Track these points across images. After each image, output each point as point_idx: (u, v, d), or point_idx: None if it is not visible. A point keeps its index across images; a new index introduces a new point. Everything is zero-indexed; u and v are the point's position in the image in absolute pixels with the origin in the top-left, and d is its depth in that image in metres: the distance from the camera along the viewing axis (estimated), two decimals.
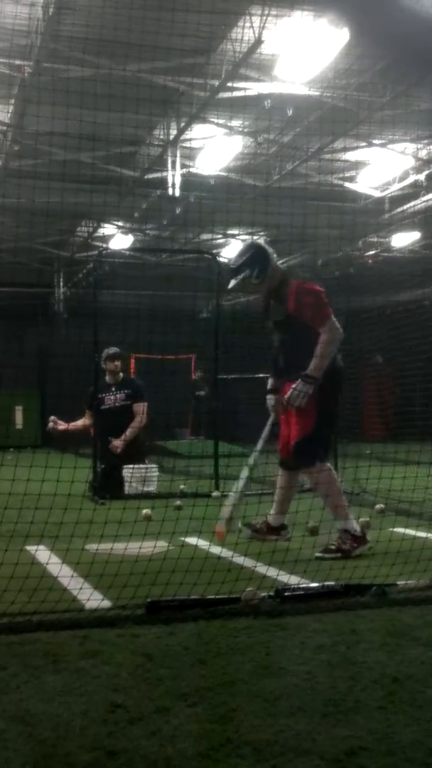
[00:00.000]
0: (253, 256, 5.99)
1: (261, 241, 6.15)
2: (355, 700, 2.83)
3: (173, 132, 14.40)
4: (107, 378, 10.07)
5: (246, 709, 2.74)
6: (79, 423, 10.20)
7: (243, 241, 20.18)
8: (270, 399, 6.30)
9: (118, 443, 9.72)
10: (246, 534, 6.14)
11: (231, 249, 21.38)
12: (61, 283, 24.67)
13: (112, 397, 10.00)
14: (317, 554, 5.44)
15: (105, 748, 2.46)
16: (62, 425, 10.13)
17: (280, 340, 6.13)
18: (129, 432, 9.86)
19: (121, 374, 10.25)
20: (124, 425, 9.84)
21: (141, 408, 10.08)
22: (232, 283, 6.13)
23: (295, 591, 4.25)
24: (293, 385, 5.71)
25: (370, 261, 21.13)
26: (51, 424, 10.07)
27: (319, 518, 5.89)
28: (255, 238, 6.21)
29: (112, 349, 10.07)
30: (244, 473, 6.23)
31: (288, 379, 5.92)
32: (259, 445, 6.23)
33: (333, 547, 5.54)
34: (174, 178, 15.17)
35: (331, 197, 15.84)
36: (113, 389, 10.03)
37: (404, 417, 16.53)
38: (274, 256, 6.08)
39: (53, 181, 11.29)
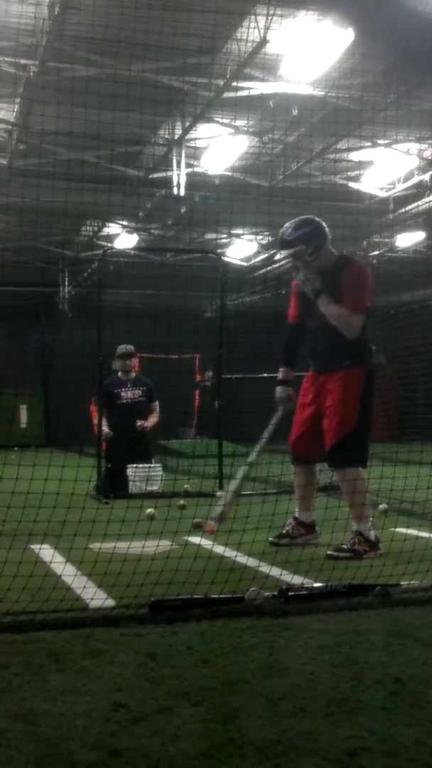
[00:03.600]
0: (311, 231, 5.87)
1: (320, 221, 5.98)
2: (358, 700, 2.84)
3: (178, 131, 14.41)
4: (120, 375, 10.13)
5: (249, 709, 2.75)
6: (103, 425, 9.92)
7: (248, 240, 20.27)
8: (280, 390, 6.19)
9: (146, 423, 9.90)
10: (282, 543, 5.95)
11: (235, 248, 21.42)
12: (66, 283, 24.69)
13: (129, 393, 10.05)
14: (329, 552, 5.43)
15: (108, 747, 2.47)
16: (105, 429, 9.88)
17: (316, 327, 5.97)
18: (151, 421, 10.01)
19: (133, 372, 10.31)
20: (139, 420, 9.92)
21: (156, 405, 10.25)
22: (284, 253, 5.97)
23: (299, 591, 4.25)
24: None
25: (374, 261, 21.10)
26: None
27: (322, 517, 5.88)
28: (311, 216, 6.04)
29: (126, 348, 10.13)
30: (241, 473, 6.18)
31: (326, 369, 5.86)
32: (260, 444, 6.18)
33: (345, 547, 5.53)
34: (179, 177, 15.18)
35: (335, 197, 15.82)
36: (129, 385, 10.09)
37: (407, 417, 16.52)
38: (330, 237, 5.96)
39: (58, 181, 11.30)
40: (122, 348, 10.08)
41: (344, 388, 5.77)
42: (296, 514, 6.15)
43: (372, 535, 5.61)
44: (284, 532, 6.06)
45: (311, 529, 6.12)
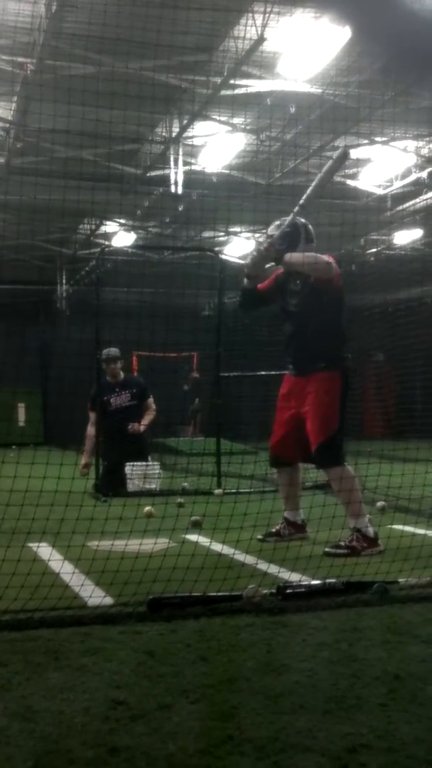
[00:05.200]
0: (287, 234, 5.96)
1: (301, 222, 6.07)
2: (357, 697, 2.84)
3: (176, 129, 14.42)
4: (108, 379, 10.03)
5: (247, 706, 2.75)
6: (91, 434, 9.96)
7: (246, 239, 20.27)
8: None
9: (139, 426, 9.87)
10: (270, 541, 5.99)
11: (233, 246, 21.42)
12: (64, 281, 24.69)
13: (118, 399, 9.99)
14: (326, 549, 5.43)
15: (107, 744, 2.47)
16: (85, 459, 9.92)
17: (294, 329, 6.03)
18: (147, 419, 10.00)
19: (121, 374, 10.23)
20: (131, 423, 9.88)
21: (151, 402, 10.21)
22: (270, 240, 6.03)
23: (297, 588, 4.25)
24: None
25: (372, 258, 21.12)
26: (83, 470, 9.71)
27: (320, 515, 5.88)
28: (297, 219, 6.12)
29: (112, 351, 9.98)
30: None
31: (305, 371, 5.88)
32: None
33: (343, 543, 5.53)
34: (176, 175, 15.20)
35: (332, 195, 15.83)
36: (116, 390, 10.00)
37: (405, 414, 16.55)
38: (310, 244, 6.03)
39: (55, 179, 11.29)
40: (106, 352, 9.88)
41: (326, 389, 5.80)
42: (285, 514, 6.18)
43: (371, 531, 5.61)
44: (273, 530, 6.10)
45: (301, 528, 6.15)
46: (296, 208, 5.92)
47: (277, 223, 6.09)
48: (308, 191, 5.92)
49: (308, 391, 5.85)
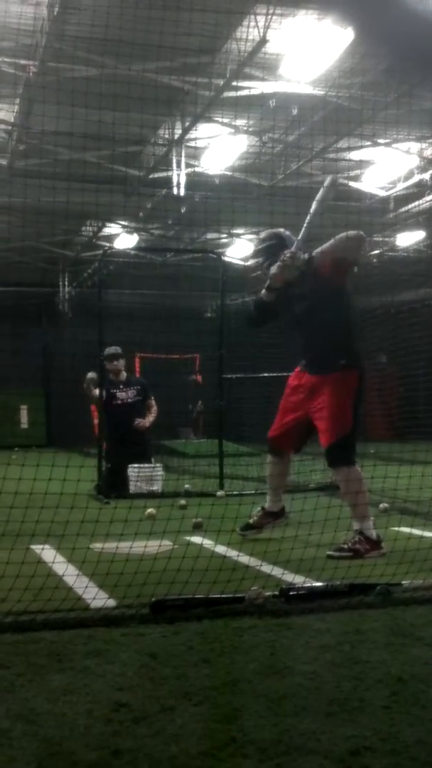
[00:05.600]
0: (270, 247, 6.04)
1: (282, 232, 6.10)
2: (360, 699, 2.84)
3: (178, 131, 14.42)
4: (111, 377, 10.10)
5: (250, 709, 2.75)
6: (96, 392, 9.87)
7: (249, 240, 20.27)
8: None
9: (145, 422, 9.98)
10: (248, 535, 6.14)
11: (236, 248, 21.43)
12: (66, 283, 24.70)
13: (124, 393, 10.05)
14: (329, 552, 5.41)
15: (109, 746, 2.47)
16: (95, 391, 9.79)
17: (310, 329, 6.00)
18: (151, 418, 10.07)
19: (124, 373, 10.29)
20: (135, 420, 9.93)
21: (153, 402, 10.30)
22: (251, 262, 6.17)
23: (300, 590, 4.24)
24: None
25: (374, 260, 21.10)
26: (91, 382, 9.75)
27: (324, 516, 5.89)
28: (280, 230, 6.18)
29: (112, 349, 10.07)
30: None
31: (321, 370, 5.86)
32: None
33: (346, 546, 5.52)
34: (179, 177, 15.20)
35: (335, 196, 15.80)
36: (121, 386, 10.10)
37: (408, 416, 16.53)
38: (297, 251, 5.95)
39: (58, 181, 11.29)
40: (108, 350, 9.98)
41: (341, 389, 5.77)
42: (266, 505, 6.25)
43: (374, 534, 5.61)
44: (251, 522, 6.22)
45: (279, 515, 6.22)
46: (297, 242, 5.93)
47: (262, 236, 6.18)
48: (305, 226, 5.93)
49: (323, 391, 5.82)
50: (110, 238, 21.20)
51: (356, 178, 16.83)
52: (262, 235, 6.20)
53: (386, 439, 13.41)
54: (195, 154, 15.54)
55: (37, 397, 22.58)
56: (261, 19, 10.50)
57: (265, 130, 14.33)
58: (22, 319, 22.03)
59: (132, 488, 9.39)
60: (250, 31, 10.84)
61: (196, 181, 15.89)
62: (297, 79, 12.19)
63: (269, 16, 10.40)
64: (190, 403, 20.87)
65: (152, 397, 10.36)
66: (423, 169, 16.12)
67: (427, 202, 17.37)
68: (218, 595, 4.06)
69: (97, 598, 4.15)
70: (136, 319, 11.25)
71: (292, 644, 3.49)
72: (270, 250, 6.04)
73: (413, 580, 4.43)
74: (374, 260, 20.93)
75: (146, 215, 18.94)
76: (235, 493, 8.80)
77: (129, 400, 10.05)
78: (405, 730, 2.57)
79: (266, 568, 4.83)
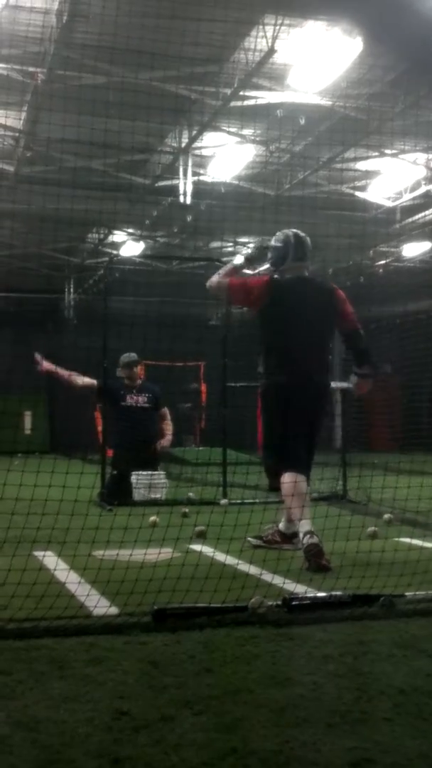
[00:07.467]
0: (275, 249, 6.23)
1: (291, 237, 6.19)
2: (361, 711, 2.82)
3: (185, 140, 14.45)
4: (126, 382, 10.08)
5: (252, 719, 2.73)
6: (84, 379, 9.87)
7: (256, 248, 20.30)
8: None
9: (165, 442, 10.08)
10: (252, 543, 6.09)
11: (241, 257, 21.42)
12: (71, 290, 24.73)
13: (135, 398, 10.01)
14: (248, 537, 5.89)
15: (110, 755, 2.46)
16: (48, 365, 9.74)
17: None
18: (169, 431, 10.17)
19: (139, 380, 10.27)
20: (146, 426, 9.87)
21: (166, 412, 10.30)
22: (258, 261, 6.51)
23: (302, 600, 4.23)
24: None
25: (380, 270, 21.12)
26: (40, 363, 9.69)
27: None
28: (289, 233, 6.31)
29: (132, 356, 10.06)
30: None
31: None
32: None
33: (263, 536, 6.01)
34: (185, 185, 15.22)
35: (342, 206, 15.85)
36: (134, 391, 10.03)
37: (412, 427, 16.51)
38: (300, 261, 6.16)
39: (64, 188, 11.32)
40: (125, 357, 9.99)
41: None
42: (279, 524, 6.26)
43: (291, 530, 5.89)
44: (267, 537, 6.25)
45: (289, 539, 6.12)
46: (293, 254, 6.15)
47: (278, 235, 6.33)
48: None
49: None
50: (116, 245, 21.25)
51: (363, 189, 16.84)
52: (276, 236, 6.30)
53: (389, 449, 13.39)
54: (201, 162, 15.58)
55: (40, 403, 22.56)
56: (269, 29, 10.53)
57: (272, 140, 14.35)
58: (26, 325, 22.05)
59: (136, 495, 9.37)
60: (258, 41, 10.87)
61: (202, 190, 15.92)
62: (304, 89, 12.22)
63: (278, 27, 10.43)
64: (196, 411, 20.88)
65: (164, 407, 10.28)
66: (430, 180, 16.14)
67: None
68: (220, 604, 4.05)
69: (99, 605, 4.14)
70: (141, 327, 11.24)
71: (294, 654, 3.48)
72: (275, 251, 6.21)
73: (417, 591, 4.42)
74: (380, 271, 20.96)
75: (152, 223, 18.98)
76: (237, 501, 8.77)
77: (139, 405, 9.98)
78: (407, 743, 2.55)
79: (268, 577, 4.81)
